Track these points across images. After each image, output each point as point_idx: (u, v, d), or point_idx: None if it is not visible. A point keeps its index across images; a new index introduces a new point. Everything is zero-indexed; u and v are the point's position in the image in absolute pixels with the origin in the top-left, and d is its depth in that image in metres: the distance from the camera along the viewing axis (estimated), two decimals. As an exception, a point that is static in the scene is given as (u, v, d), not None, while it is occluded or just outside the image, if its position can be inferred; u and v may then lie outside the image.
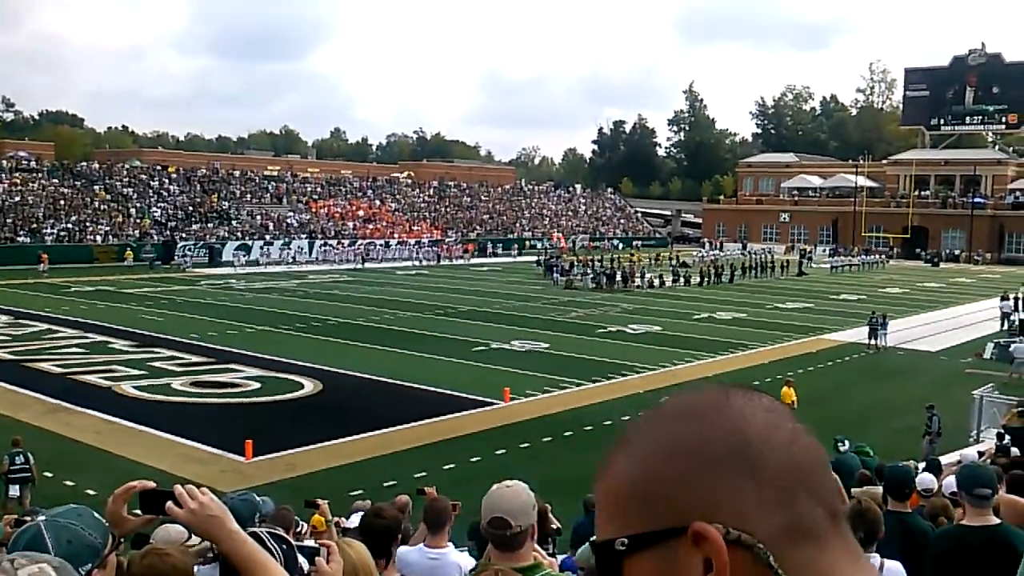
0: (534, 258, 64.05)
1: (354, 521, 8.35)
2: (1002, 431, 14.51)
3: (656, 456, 0.93)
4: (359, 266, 58.49)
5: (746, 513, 0.89)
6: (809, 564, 0.91)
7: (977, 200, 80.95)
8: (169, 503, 2.08)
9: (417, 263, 63.22)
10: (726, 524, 0.88)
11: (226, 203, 67.36)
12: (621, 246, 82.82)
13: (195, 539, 2.79)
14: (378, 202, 79.13)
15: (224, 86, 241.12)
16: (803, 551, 0.91)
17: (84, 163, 71.56)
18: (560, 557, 8.62)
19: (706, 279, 52.46)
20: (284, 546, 2.56)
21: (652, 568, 0.91)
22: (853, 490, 8.52)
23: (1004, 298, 38.43)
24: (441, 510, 5.01)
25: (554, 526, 8.69)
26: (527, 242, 78.28)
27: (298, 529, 7.72)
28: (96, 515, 2.16)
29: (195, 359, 24.78)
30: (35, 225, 54.69)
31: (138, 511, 2.23)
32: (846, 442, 12.64)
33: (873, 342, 30.28)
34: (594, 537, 0.97)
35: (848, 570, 0.93)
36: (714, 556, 0.88)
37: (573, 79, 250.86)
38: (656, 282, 49.32)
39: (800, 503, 0.92)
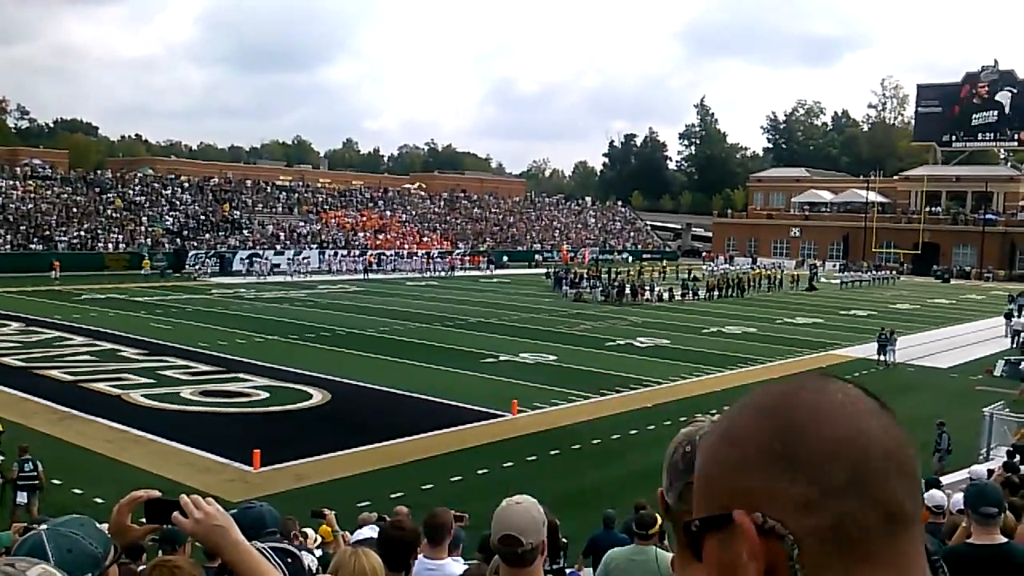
0: (543, 270, 64.07)
1: (361, 534, 8.35)
2: (1012, 449, 14.43)
3: (720, 445, 0.98)
4: (363, 277, 58.42)
5: (783, 507, 0.90)
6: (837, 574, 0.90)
7: (988, 217, 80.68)
8: (175, 513, 2.09)
9: (430, 273, 63.33)
10: (765, 514, 0.90)
11: (238, 212, 67.63)
12: (631, 259, 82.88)
13: None
14: (388, 213, 79.35)
15: (237, 97, 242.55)
16: (835, 558, 0.90)
17: (98, 171, 71.96)
18: (568, 571, 8.63)
19: (716, 292, 52.45)
20: (289, 560, 2.56)
21: (716, 549, 0.95)
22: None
23: (1008, 313, 38.48)
24: (441, 524, 5.03)
25: (562, 540, 8.68)
26: (536, 255, 78.49)
27: (305, 539, 7.75)
28: (98, 526, 2.17)
29: (204, 368, 24.83)
30: (48, 232, 55.01)
31: (143, 520, 2.24)
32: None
33: (882, 358, 30.18)
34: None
35: None
36: (746, 543, 0.91)
37: (582, 92, 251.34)
38: (665, 295, 49.27)
39: (845, 504, 0.90)
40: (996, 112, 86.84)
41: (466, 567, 4.99)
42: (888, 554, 0.91)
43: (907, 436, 0.95)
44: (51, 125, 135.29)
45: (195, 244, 59.87)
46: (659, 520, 7.43)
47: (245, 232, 64.69)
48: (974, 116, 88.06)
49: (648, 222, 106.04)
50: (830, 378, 1.00)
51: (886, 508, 0.90)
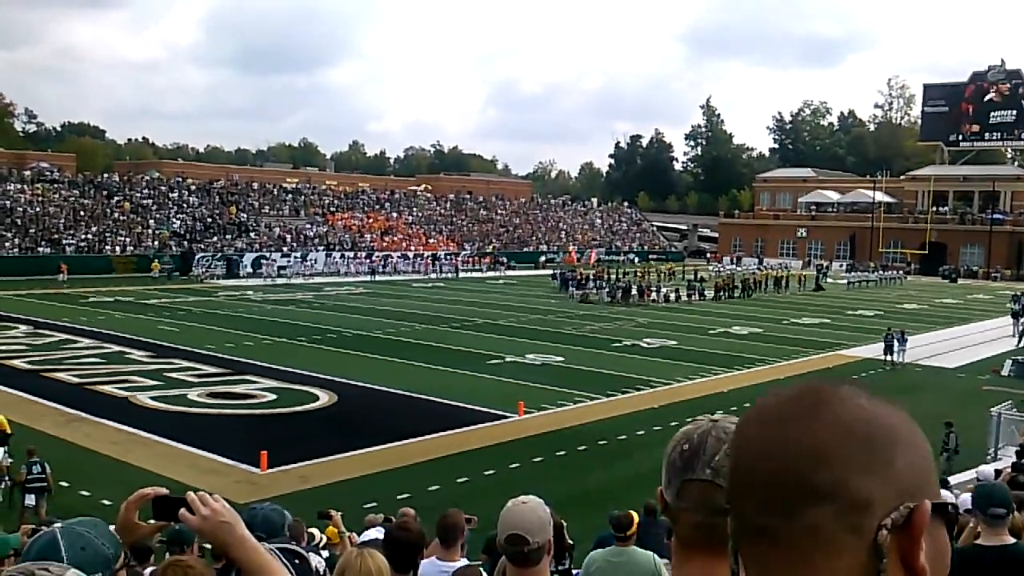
0: (549, 272, 64.04)
1: (367, 536, 8.35)
2: (1020, 449, 14.38)
3: None
4: (370, 278, 58.44)
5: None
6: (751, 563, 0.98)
7: (996, 216, 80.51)
8: (182, 510, 2.10)
9: (436, 275, 63.37)
10: None
11: (244, 215, 67.75)
12: (637, 260, 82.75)
13: None
14: (395, 215, 79.41)
15: (243, 99, 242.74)
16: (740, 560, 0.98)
17: (105, 175, 72.19)
18: (575, 572, 8.62)
19: (722, 293, 52.40)
20: (296, 561, 2.57)
21: None
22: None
23: (1016, 313, 38.40)
24: (453, 525, 5.03)
25: (568, 542, 8.66)
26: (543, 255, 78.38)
27: (314, 542, 7.76)
28: (111, 529, 2.18)
29: (211, 370, 24.88)
30: (56, 236, 55.18)
31: (151, 519, 2.25)
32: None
33: (889, 358, 30.08)
34: None
35: None
36: None
37: (584, 93, 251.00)
38: (672, 296, 49.23)
39: (732, 515, 0.99)
40: (1015, 111, 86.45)
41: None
42: (761, 567, 0.95)
43: (822, 437, 0.93)
44: (58, 129, 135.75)
45: (202, 247, 59.99)
46: (636, 521, 7.44)
47: (252, 234, 64.80)
48: (992, 114, 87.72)
49: (654, 223, 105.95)
50: (806, 384, 1.01)
51: (742, 522, 0.96)
